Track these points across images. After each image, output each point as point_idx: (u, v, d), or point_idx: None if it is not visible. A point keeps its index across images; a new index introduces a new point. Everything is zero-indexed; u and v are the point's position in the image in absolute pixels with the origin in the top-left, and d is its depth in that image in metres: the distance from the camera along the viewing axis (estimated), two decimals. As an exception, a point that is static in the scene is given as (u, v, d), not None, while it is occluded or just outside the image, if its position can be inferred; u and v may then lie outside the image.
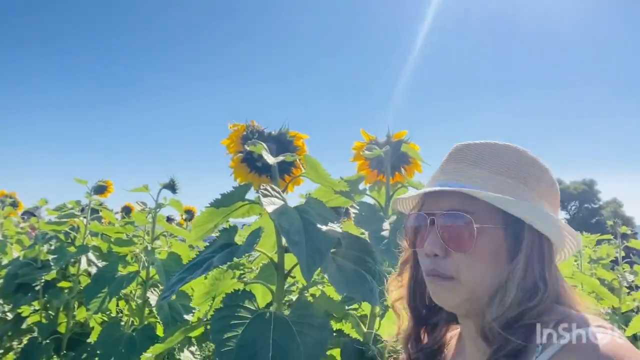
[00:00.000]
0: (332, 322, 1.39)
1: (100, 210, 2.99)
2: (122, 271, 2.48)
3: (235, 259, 1.14)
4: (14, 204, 4.01)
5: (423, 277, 0.82)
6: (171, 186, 2.64)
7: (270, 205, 1.13)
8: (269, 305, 1.32)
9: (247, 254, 1.23)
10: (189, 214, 4.85)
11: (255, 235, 1.11)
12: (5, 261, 3.12)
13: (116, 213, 3.98)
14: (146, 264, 2.48)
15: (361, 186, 1.50)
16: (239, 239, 1.31)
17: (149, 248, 2.48)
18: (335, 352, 1.26)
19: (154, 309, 2.35)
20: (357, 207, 1.30)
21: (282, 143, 1.42)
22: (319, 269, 1.08)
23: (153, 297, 2.42)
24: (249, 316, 1.05)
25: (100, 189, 2.99)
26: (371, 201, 1.44)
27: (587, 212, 51.53)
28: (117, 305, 3.02)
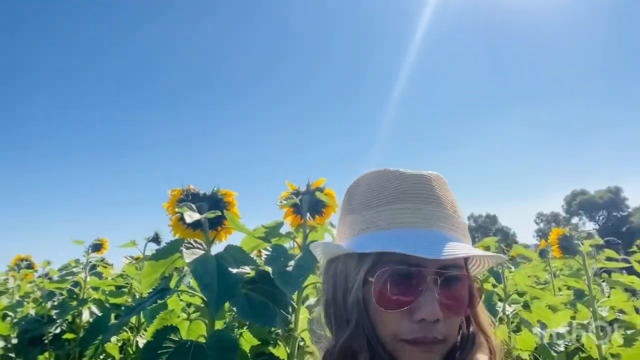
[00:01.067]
0: (265, 347, 1.66)
1: (98, 266, 3.33)
2: (117, 320, 2.79)
3: (165, 299, 1.44)
4: (30, 266, 4.40)
5: (384, 340, 0.69)
6: (155, 239, 2.99)
7: (191, 255, 1.44)
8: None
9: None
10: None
11: (167, 282, 1.42)
12: (16, 319, 3.47)
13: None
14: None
15: (286, 229, 1.80)
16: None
17: (137, 296, 2.80)
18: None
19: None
20: (270, 249, 1.59)
21: (214, 201, 1.74)
22: (229, 302, 1.37)
23: (142, 341, 2.71)
24: (173, 346, 1.34)
25: (97, 247, 3.35)
26: (288, 243, 1.73)
27: (617, 220, 50.10)
28: (122, 351, 3.31)
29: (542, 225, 58.44)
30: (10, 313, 3.68)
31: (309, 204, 1.80)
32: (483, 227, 61.01)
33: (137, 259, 3.61)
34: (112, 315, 2.80)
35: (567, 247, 2.25)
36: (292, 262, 1.56)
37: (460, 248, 0.67)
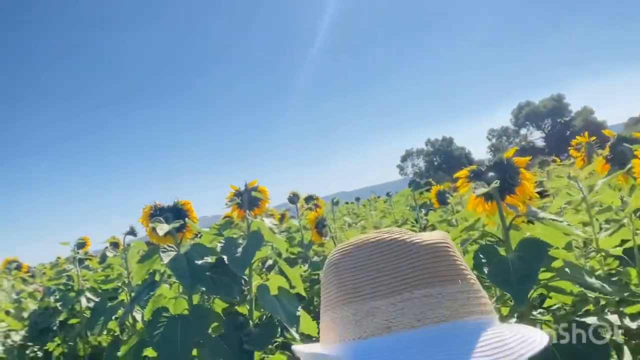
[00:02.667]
0: (231, 307, 2.34)
1: (85, 260, 3.89)
2: (112, 302, 3.41)
3: (155, 290, 2.07)
4: (19, 267, 4.90)
5: None
6: (132, 232, 3.56)
7: (167, 257, 2.05)
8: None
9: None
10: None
11: (154, 276, 2.04)
12: (25, 314, 4.04)
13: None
14: (128, 294, 3.41)
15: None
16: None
17: (127, 281, 3.41)
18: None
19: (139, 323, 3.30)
20: (223, 241, 2.22)
21: (176, 211, 2.33)
22: (199, 285, 2.02)
23: (138, 316, 3.36)
24: (166, 319, 1.98)
25: (81, 245, 3.89)
26: (236, 234, 2.36)
27: (561, 126, 53.09)
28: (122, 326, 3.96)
29: (494, 140, 61.28)
30: (12, 310, 4.24)
31: (248, 201, 2.42)
32: (440, 150, 63.41)
33: (118, 245, 4.18)
34: (107, 300, 3.43)
35: (442, 200, 2.97)
36: (239, 249, 2.20)
37: (527, 340, 0.53)
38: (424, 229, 3.50)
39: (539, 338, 0.54)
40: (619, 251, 1.51)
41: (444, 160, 60.21)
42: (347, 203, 10.04)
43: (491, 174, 1.62)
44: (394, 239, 0.59)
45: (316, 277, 3.15)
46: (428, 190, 4.04)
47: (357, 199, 8.68)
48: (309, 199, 4.84)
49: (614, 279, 1.63)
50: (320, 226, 3.10)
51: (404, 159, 67.49)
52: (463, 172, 1.67)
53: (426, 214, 3.60)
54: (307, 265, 3.24)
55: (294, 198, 3.83)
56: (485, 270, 1.39)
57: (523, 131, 57.96)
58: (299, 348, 0.64)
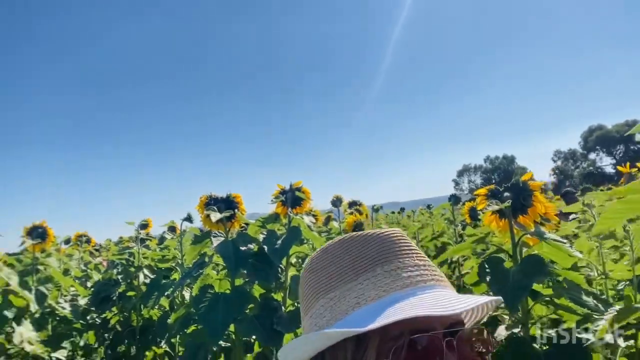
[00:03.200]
0: (268, 293, 2.60)
1: (146, 240, 4.33)
2: (166, 280, 3.80)
3: (204, 269, 2.38)
4: (88, 241, 5.47)
5: None
6: (188, 219, 3.94)
7: (216, 241, 2.35)
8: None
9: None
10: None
11: (204, 258, 2.35)
12: (90, 283, 4.55)
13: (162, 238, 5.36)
14: (180, 274, 3.78)
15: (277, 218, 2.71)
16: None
17: (180, 262, 3.78)
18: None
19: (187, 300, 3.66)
20: (264, 233, 2.49)
21: (228, 202, 2.63)
22: (241, 269, 2.30)
23: (186, 294, 3.72)
24: (210, 296, 2.28)
25: (144, 226, 4.33)
26: (278, 229, 2.63)
27: (634, 153, 49.73)
28: (172, 302, 4.37)
29: (559, 162, 58.39)
30: (80, 277, 4.77)
31: (291, 200, 2.68)
32: (500, 168, 61.29)
33: (176, 230, 4.61)
34: (162, 277, 3.82)
35: (473, 216, 3.08)
36: (279, 241, 2.46)
37: (471, 299, 0.61)
38: (458, 242, 3.61)
39: (486, 299, 0.64)
40: (623, 276, 1.61)
41: (503, 179, 58.09)
42: (393, 212, 10.20)
43: (507, 194, 1.78)
44: (356, 233, 0.72)
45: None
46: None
47: (402, 209, 8.78)
48: (352, 204, 5.06)
49: (619, 301, 1.74)
50: (357, 230, 3.31)
51: (460, 174, 65.87)
52: (482, 190, 1.84)
53: (463, 228, 3.71)
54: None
55: (336, 202, 4.06)
56: (487, 278, 1.56)
57: (592, 155, 54.86)
58: (292, 345, 0.67)
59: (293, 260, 2.71)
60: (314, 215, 4.07)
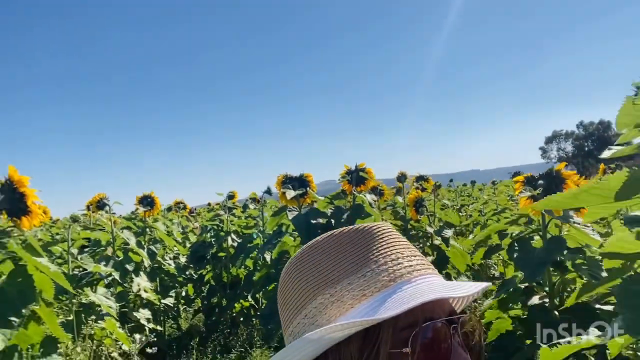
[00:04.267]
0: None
1: (234, 208, 4.96)
2: (250, 244, 4.39)
3: (282, 238, 2.84)
4: (184, 207, 6.29)
5: None
6: (268, 192, 4.47)
7: (291, 214, 2.80)
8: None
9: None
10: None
11: (281, 227, 2.80)
12: (188, 244, 5.31)
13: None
14: (262, 239, 4.35)
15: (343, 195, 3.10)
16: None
17: (261, 229, 4.34)
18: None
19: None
20: (332, 208, 2.89)
21: (301, 181, 3.07)
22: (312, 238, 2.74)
23: (267, 257, 4.28)
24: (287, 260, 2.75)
25: (231, 197, 4.95)
26: (344, 204, 3.02)
27: None
28: (256, 263, 5.01)
29: (667, 128, 52.22)
30: (180, 240, 5.56)
31: (355, 179, 3.05)
32: (594, 136, 56.45)
33: (257, 201, 5.21)
34: (247, 242, 4.41)
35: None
36: (344, 215, 2.86)
37: (472, 283, 0.63)
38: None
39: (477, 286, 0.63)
40: None
41: (597, 147, 53.40)
42: (464, 185, 10.07)
43: (541, 181, 2.01)
44: (345, 228, 0.69)
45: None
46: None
47: (473, 182, 8.72)
48: (419, 178, 5.31)
49: None
50: (418, 205, 3.61)
51: (549, 141, 61.58)
52: (520, 177, 2.08)
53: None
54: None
55: (401, 177, 4.33)
56: (515, 255, 1.84)
57: None
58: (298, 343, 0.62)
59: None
60: (380, 191, 4.41)
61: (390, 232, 0.70)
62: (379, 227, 0.70)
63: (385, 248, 0.67)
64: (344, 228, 0.70)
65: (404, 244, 0.69)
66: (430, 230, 3.48)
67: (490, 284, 0.69)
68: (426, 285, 0.62)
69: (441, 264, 3.36)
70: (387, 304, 0.59)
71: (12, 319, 1.69)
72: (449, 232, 3.49)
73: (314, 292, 0.65)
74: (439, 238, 3.45)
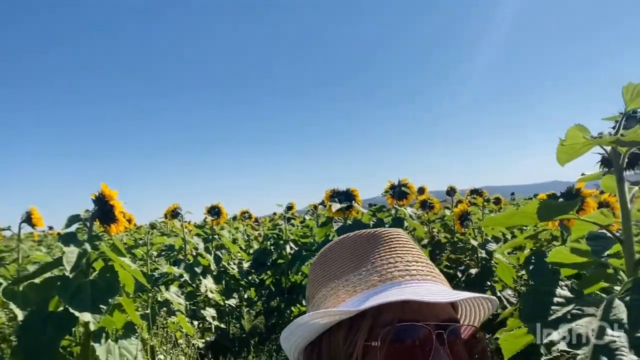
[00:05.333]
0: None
1: (292, 219, 5.32)
2: (306, 253, 4.71)
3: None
4: (249, 217, 6.78)
5: None
6: (289, 207, 4.77)
7: (336, 225, 3.08)
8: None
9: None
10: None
11: (328, 237, 3.09)
12: (251, 251, 5.76)
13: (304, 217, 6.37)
14: (317, 247, 4.65)
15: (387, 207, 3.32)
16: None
17: (314, 240, 4.65)
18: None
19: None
20: (374, 220, 3.13)
21: (347, 195, 3.34)
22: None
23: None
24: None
25: (289, 208, 5.33)
26: (386, 217, 3.24)
27: None
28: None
29: None
30: (244, 247, 6.02)
31: (398, 194, 3.27)
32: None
33: (313, 213, 5.56)
34: (303, 250, 4.74)
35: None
36: (386, 227, 3.08)
37: (462, 292, 0.62)
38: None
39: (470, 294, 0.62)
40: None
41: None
42: (529, 198, 9.70)
43: (561, 199, 2.13)
44: (363, 231, 0.76)
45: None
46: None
47: (535, 195, 8.46)
48: (473, 191, 5.37)
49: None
50: (463, 219, 3.74)
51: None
52: (543, 195, 2.21)
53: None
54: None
55: (450, 192, 4.46)
56: (530, 267, 1.99)
57: None
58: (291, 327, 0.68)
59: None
60: (430, 205, 4.56)
61: (398, 237, 0.74)
62: (387, 232, 0.75)
63: (385, 251, 0.71)
64: (361, 231, 0.77)
65: (408, 249, 0.72)
66: (474, 243, 3.59)
67: (494, 298, 0.70)
68: (411, 289, 0.65)
69: (484, 276, 3.46)
70: (369, 301, 0.62)
71: (102, 306, 2.11)
72: (493, 246, 3.57)
73: (320, 284, 0.74)
74: (483, 251, 3.55)
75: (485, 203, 4.47)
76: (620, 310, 0.79)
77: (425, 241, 4.45)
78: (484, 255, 3.60)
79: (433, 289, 0.66)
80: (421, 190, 5.28)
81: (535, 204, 0.97)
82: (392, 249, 0.72)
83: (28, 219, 3.59)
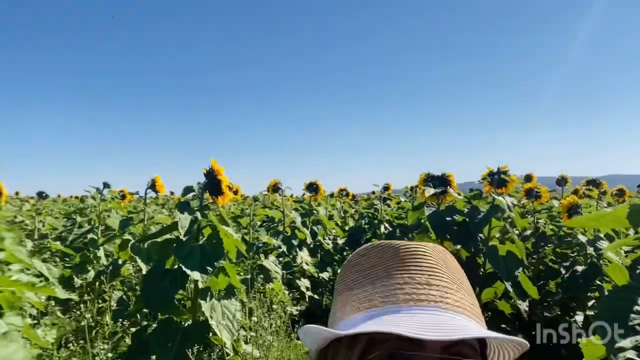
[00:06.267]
0: (477, 258, 3.18)
1: (387, 199, 5.36)
2: (399, 234, 4.74)
3: (420, 228, 3.13)
4: (347, 194, 6.94)
5: None
6: (385, 188, 4.73)
7: (428, 210, 3.08)
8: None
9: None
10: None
11: (419, 221, 3.09)
12: (346, 228, 5.92)
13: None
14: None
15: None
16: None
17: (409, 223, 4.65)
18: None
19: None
20: (468, 207, 3.05)
21: (442, 180, 3.29)
22: (446, 234, 2.97)
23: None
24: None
25: (386, 188, 5.36)
26: (482, 204, 3.15)
27: None
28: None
29: None
30: (339, 223, 6.20)
31: (497, 182, 3.14)
32: None
33: (413, 190, 5.54)
34: (397, 230, 4.77)
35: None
36: (480, 215, 3.00)
37: (467, 329, 0.59)
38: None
39: (479, 332, 0.58)
40: None
41: None
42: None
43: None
44: (385, 243, 0.72)
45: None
46: None
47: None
48: (590, 182, 4.92)
49: None
50: (572, 211, 3.47)
51: None
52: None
53: None
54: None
55: (561, 181, 4.14)
56: (637, 271, 1.84)
57: None
58: (302, 331, 0.69)
59: (497, 234, 3.19)
60: (537, 194, 4.29)
61: (416, 255, 0.69)
62: (408, 249, 0.70)
63: (397, 270, 0.68)
64: (383, 242, 0.73)
65: (425, 269, 0.67)
66: (582, 238, 3.33)
67: (522, 341, 0.63)
68: (407, 317, 0.61)
69: (591, 275, 3.21)
70: (358, 327, 0.62)
71: (208, 268, 2.38)
72: (604, 243, 3.28)
73: (338, 291, 0.74)
74: (592, 248, 3.28)
75: (602, 195, 4.08)
76: None
77: (529, 232, 4.22)
78: (592, 252, 3.32)
79: (433, 319, 0.60)
80: (528, 178, 4.97)
81: (626, 207, 0.92)
82: (405, 269, 0.67)
83: (152, 186, 4.11)
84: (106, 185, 4.41)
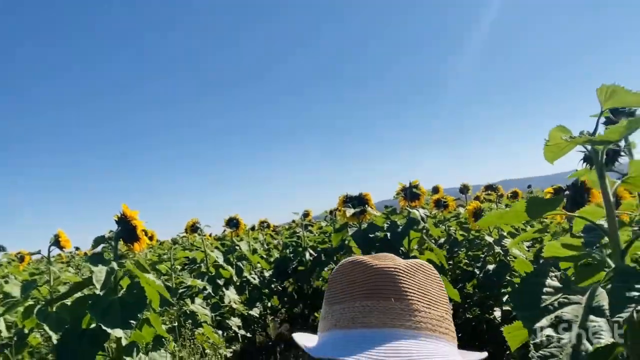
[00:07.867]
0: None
1: (309, 226, 5.41)
2: (325, 258, 4.79)
3: (344, 250, 3.20)
4: (268, 226, 6.90)
5: None
6: (305, 214, 4.84)
7: (351, 230, 3.16)
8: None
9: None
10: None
11: (344, 242, 3.17)
12: (271, 259, 5.86)
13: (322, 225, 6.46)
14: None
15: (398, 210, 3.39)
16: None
17: (331, 246, 4.73)
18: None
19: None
20: (388, 223, 3.20)
21: (360, 200, 3.41)
22: (371, 251, 3.07)
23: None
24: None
25: (305, 215, 5.43)
26: (399, 219, 3.31)
27: None
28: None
29: None
30: (264, 256, 6.14)
31: (410, 196, 3.33)
32: None
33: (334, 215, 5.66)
34: (322, 255, 4.82)
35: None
36: (399, 229, 3.15)
37: (411, 350, 0.62)
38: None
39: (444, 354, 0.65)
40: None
41: None
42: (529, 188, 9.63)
43: (567, 192, 2.17)
44: (361, 260, 0.77)
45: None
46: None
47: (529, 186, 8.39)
48: (488, 187, 5.39)
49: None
50: (477, 216, 3.77)
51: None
52: (550, 189, 2.26)
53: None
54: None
55: (463, 189, 4.49)
56: (540, 262, 2.03)
57: None
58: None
59: (416, 245, 3.36)
60: (445, 204, 4.60)
61: (383, 277, 0.72)
62: (377, 271, 0.73)
63: (361, 290, 0.72)
64: (359, 258, 0.79)
65: (389, 291, 0.71)
66: (489, 239, 3.62)
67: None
68: (350, 339, 0.68)
69: (501, 272, 3.49)
70: (328, 344, 0.70)
71: (131, 321, 2.22)
72: (508, 241, 3.60)
73: (324, 300, 0.81)
74: (499, 247, 3.58)
75: (499, 198, 4.49)
76: (602, 298, 0.85)
77: (442, 240, 4.49)
78: (499, 250, 3.63)
79: (393, 347, 0.64)
80: (435, 190, 5.32)
81: (523, 202, 1.04)
82: (369, 291, 0.72)
83: (56, 242, 3.75)
84: (1, 248, 3.96)
